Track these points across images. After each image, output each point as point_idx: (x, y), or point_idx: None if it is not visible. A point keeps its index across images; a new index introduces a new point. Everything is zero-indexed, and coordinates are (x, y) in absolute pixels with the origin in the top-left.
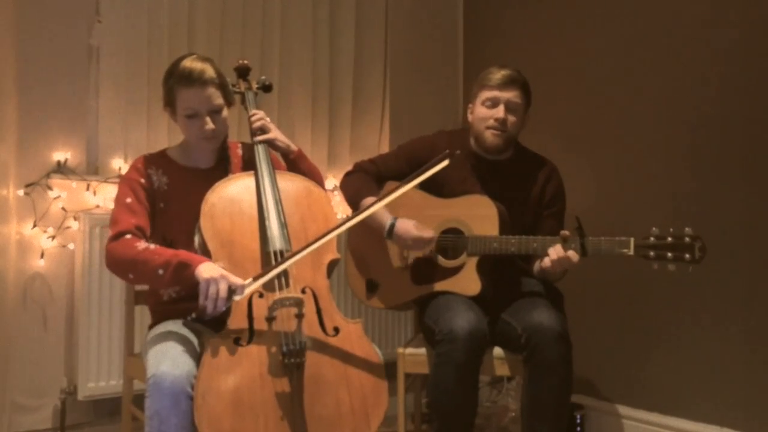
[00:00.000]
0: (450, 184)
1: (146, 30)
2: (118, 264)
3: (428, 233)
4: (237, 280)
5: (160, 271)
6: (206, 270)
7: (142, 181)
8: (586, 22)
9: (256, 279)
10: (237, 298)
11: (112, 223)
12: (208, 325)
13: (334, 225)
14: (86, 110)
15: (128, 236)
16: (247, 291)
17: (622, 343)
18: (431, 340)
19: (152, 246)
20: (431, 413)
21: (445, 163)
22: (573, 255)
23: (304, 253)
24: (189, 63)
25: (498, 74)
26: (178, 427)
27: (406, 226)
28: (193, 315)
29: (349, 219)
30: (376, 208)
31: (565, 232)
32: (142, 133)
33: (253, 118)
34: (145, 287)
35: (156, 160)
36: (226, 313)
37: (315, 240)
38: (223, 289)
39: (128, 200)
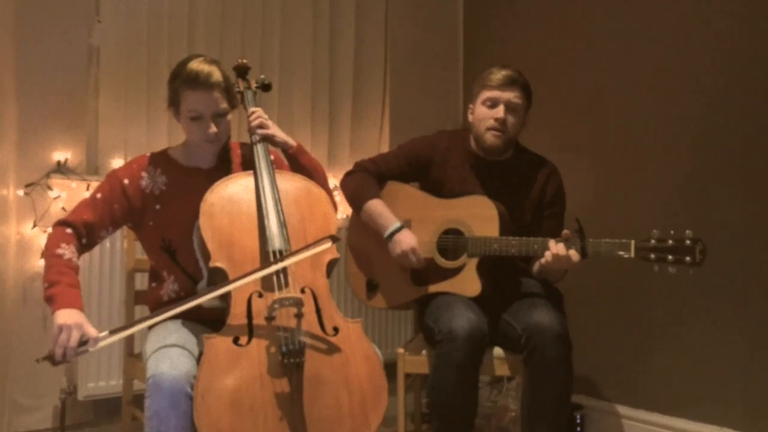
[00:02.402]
0: (450, 184)
1: (146, 30)
2: (44, 249)
3: (422, 256)
4: (91, 332)
5: (45, 285)
6: (62, 316)
7: (126, 182)
8: (586, 22)
9: (112, 333)
10: (91, 349)
11: (73, 208)
12: (208, 325)
13: (333, 225)
14: (86, 110)
15: (68, 230)
16: (101, 344)
17: (622, 343)
18: (431, 340)
19: (66, 257)
20: (431, 413)
21: (328, 245)
22: (573, 254)
23: (246, 280)
24: (196, 65)
25: (498, 74)
26: (178, 427)
27: (410, 237)
28: (40, 358)
29: (315, 243)
30: (275, 268)
31: (567, 232)
32: (142, 133)
33: (251, 117)
34: (145, 287)
35: (156, 160)
36: (225, 313)
37: (251, 272)
38: (74, 338)
39: (98, 195)
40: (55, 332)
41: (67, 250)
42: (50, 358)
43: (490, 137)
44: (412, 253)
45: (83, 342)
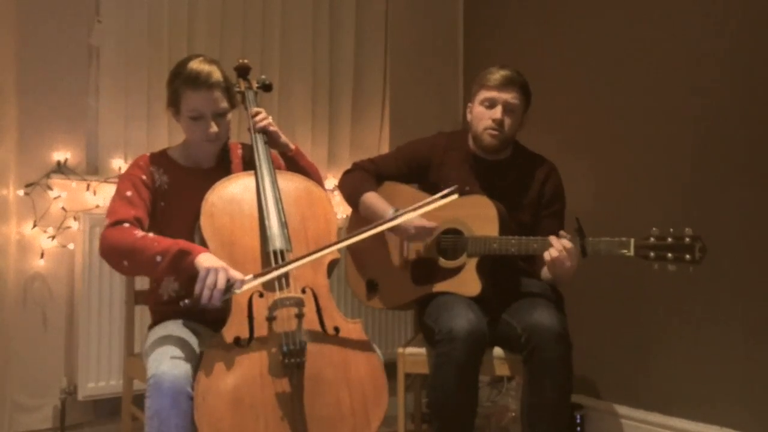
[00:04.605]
0: (449, 184)
1: (146, 30)
2: (114, 250)
3: (431, 222)
4: (237, 275)
5: (158, 258)
6: (207, 259)
7: (144, 177)
8: (587, 22)
9: (256, 277)
10: (237, 291)
11: (110, 213)
12: (208, 325)
13: (333, 225)
14: (86, 110)
15: (126, 224)
16: (246, 287)
17: (622, 343)
18: (431, 340)
19: (150, 234)
20: (431, 413)
21: (455, 196)
22: (566, 243)
23: (310, 258)
24: (196, 65)
25: (497, 74)
26: (179, 427)
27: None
28: (186, 301)
29: (350, 237)
30: (376, 231)
31: (563, 234)
32: (142, 133)
33: (257, 117)
34: (145, 287)
35: (157, 159)
36: (226, 312)
37: (321, 249)
38: (221, 280)
39: (128, 193)
40: (201, 276)
41: (144, 233)
42: (196, 301)
43: (487, 137)
44: (421, 229)
45: (229, 285)
